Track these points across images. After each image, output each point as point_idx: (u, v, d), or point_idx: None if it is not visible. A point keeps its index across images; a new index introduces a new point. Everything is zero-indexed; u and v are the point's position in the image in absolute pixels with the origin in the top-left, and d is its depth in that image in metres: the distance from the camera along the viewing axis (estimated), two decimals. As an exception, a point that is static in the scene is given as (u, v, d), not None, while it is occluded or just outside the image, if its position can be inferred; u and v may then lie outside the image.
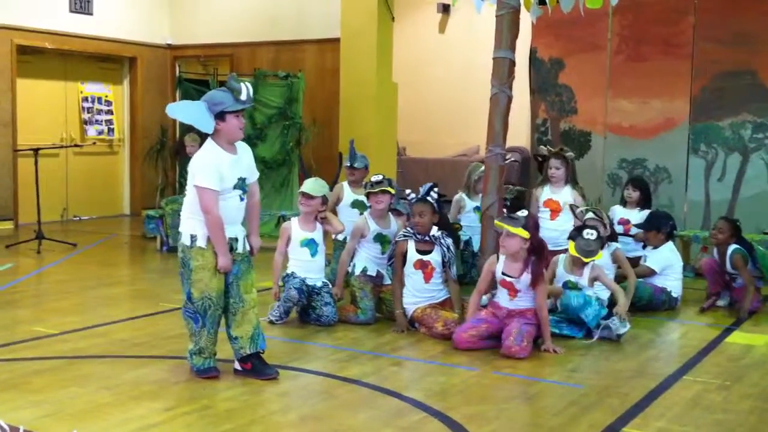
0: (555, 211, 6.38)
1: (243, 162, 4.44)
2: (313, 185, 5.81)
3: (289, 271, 5.77)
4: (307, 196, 5.75)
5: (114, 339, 5.25)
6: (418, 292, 5.53)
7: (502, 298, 5.13)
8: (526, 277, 5.02)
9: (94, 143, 11.68)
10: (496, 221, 5.27)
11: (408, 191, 5.76)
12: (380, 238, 5.87)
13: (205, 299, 4.36)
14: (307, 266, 5.74)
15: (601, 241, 5.60)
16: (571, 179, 6.54)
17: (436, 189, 5.63)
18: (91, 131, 11.77)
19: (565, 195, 6.44)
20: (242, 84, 4.31)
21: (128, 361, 4.77)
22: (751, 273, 6.24)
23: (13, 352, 4.88)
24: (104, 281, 7.30)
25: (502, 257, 5.13)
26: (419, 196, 5.59)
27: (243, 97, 4.29)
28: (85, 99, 11.71)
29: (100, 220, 11.59)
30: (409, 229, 5.62)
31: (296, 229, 5.79)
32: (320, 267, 5.80)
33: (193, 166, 4.34)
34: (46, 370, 4.55)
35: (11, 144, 10.49)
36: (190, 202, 4.38)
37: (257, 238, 4.60)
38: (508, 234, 5.00)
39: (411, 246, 5.53)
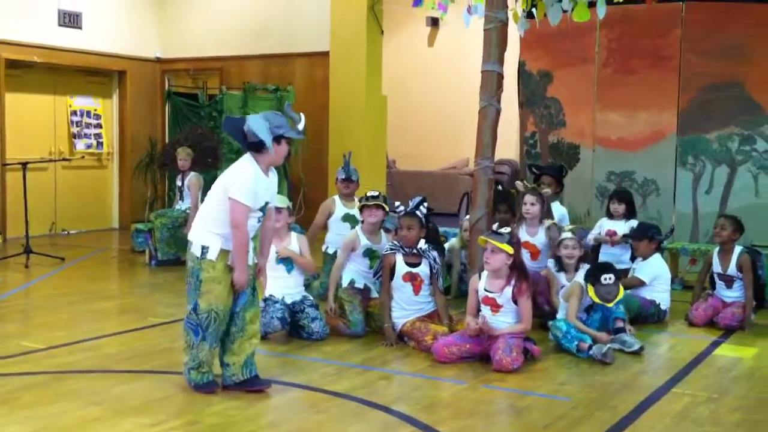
0: (534, 253, 6.31)
1: (271, 187, 4.46)
2: (279, 197, 5.76)
3: (267, 293, 5.64)
4: (277, 210, 5.65)
5: (102, 354, 5.23)
6: (408, 305, 5.52)
7: (486, 315, 5.11)
8: (508, 291, 5.01)
9: (83, 157, 11.67)
10: (480, 237, 5.27)
11: (397, 203, 5.74)
12: (370, 253, 5.85)
13: (211, 312, 4.31)
14: (284, 283, 5.67)
15: (577, 263, 5.73)
16: (547, 215, 6.41)
17: (425, 204, 5.64)
18: (80, 145, 11.74)
19: (541, 238, 6.30)
20: (300, 114, 4.43)
21: (116, 376, 4.75)
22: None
23: (0, 368, 4.85)
24: (93, 296, 7.27)
25: (484, 275, 5.13)
26: (408, 209, 5.59)
27: (300, 126, 4.43)
28: (74, 113, 11.68)
29: (88, 234, 11.54)
30: (395, 242, 5.63)
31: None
32: (298, 282, 5.73)
33: (229, 179, 4.31)
34: (34, 386, 4.53)
35: (0, 158, 10.45)
36: (210, 213, 4.34)
37: (265, 260, 4.63)
38: (493, 249, 5.01)
39: (399, 259, 5.52)
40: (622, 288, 5.54)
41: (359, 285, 5.85)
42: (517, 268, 5.06)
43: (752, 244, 7.56)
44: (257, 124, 4.29)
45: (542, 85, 9.08)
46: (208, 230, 4.32)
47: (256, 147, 4.31)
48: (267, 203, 4.43)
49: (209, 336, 4.34)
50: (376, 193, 5.96)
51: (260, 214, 4.39)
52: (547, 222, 6.30)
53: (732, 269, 6.22)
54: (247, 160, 4.35)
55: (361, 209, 5.92)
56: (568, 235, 5.92)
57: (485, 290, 5.09)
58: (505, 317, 5.06)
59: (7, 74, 10.61)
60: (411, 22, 13.50)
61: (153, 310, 6.52)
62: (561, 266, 5.92)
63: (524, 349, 5.04)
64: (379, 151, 10.56)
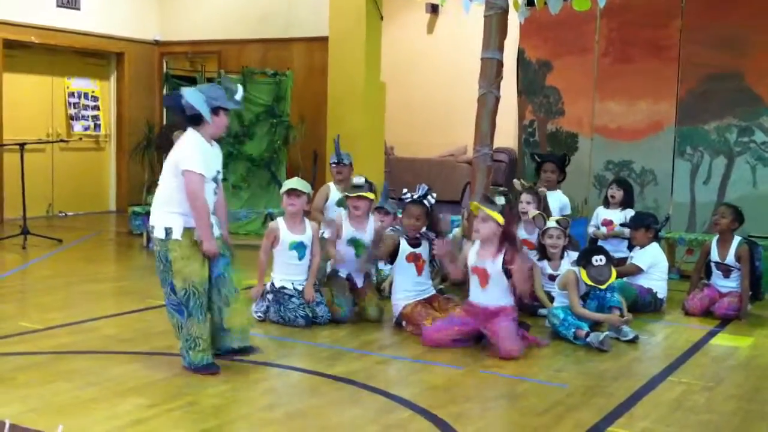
0: (533, 249, 6.32)
1: (219, 157, 4.58)
2: (299, 182, 5.76)
3: (277, 282, 5.64)
4: (295, 194, 5.64)
5: (100, 335, 5.23)
6: (411, 286, 5.54)
7: (474, 291, 5.09)
8: (499, 260, 4.97)
9: (81, 139, 11.65)
10: (471, 204, 5.22)
11: (405, 190, 5.70)
12: (354, 243, 5.78)
13: (189, 288, 4.37)
14: (294, 269, 5.67)
15: (562, 251, 5.74)
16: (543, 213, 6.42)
17: (433, 194, 5.62)
18: (78, 127, 11.71)
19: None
20: (237, 85, 4.49)
21: (114, 357, 4.75)
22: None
23: (-2, 347, 4.86)
24: (90, 277, 7.27)
25: (476, 244, 5.10)
26: (415, 197, 5.57)
27: (237, 97, 4.47)
28: (72, 94, 11.65)
29: (86, 216, 11.53)
30: (397, 227, 5.63)
31: (285, 231, 5.67)
32: (306, 269, 5.71)
33: (177, 154, 4.40)
34: (31, 366, 4.53)
35: (-3, 139, 10.44)
36: (167, 194, 4.41)
37: (227, 231, 4.71)
38: (484, 217, 4.97)
39: (402, 240, 5.54)
40: (614, 271, 5.55)
41: (342, 274, 5.84)
42: (508, 240, 5.02)
43: (749, 236, 7.58)
44: (193, 97, 4.37)
45: (541, 73, 9.08)
46: (168, 211, 4.39)
47: (195, 120, 4.40)
48: (218, 173, 4.52)
49: (194, 310, 4.39)
50: (361, 182, 5.85)
51: (214, 185, 4.48)
52: (533, 212, 6.28)
53: (730, 259, 6.24)
54: (189, 134, 4.44)
55: (345, 199, 5.85)
56: (552, 224, 5.93)
57: (476, 261, 5.05)
58: (494, 292, 5.01)
59: (5, 55, 10.58)
60: (410, 9, 13.46)
61: (151, 292, 6.51)
62: (545, 255, 5.93)
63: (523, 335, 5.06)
64: (377, 138, 10.54)
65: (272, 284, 5.68)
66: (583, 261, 5.52)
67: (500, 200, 5.10)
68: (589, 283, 5.45)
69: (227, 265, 4.53)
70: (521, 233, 6.26)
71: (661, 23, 8.38)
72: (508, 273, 4.98)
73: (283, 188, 5.73)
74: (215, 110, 4.40)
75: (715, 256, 6.32)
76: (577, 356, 5.04)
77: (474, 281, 5.09)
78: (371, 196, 5.81)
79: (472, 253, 5.09)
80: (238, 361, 4.67)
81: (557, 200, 6.90)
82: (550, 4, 6.46)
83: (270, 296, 5.63)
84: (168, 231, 4.37)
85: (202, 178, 4.33)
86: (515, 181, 6.59)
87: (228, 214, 4.82)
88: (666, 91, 8.35)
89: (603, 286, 5.45)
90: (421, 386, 4.41)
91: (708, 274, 6.39)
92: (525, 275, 4.98)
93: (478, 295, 5.07)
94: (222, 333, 4.55)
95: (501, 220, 4.96)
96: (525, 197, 6.32)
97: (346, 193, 5.89)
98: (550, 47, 8.98)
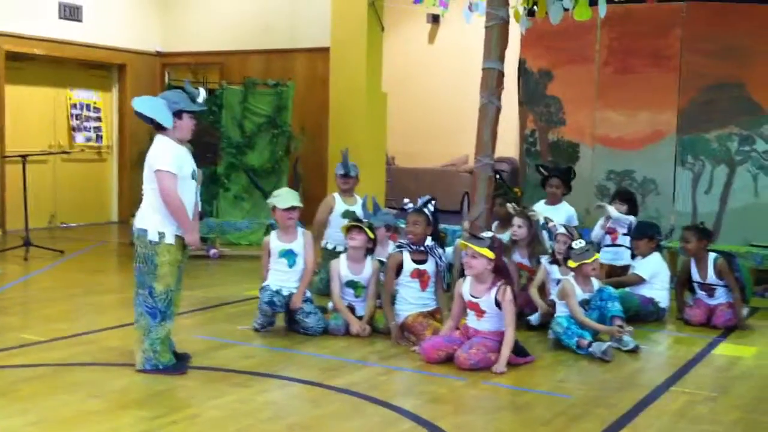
0: (531, 272, 6.28)
1: (191, 158, 4.70)
2: (294, 196, 5.79)
3: (265, 283, 5.73)
4: (295, 209, 5.72)
5: (102, 347, 5.23)
6: (414, 300, 5.54)
7: (471, 319, 5.07)
8: (492, 295, 4.94)
9: (83, 150, 11.67)
10: (460, 242, 5.26)
11: (406, 200, 5.74)
12: (353, 284, 5.77)
13: (169, 293, 4.59)
14: (284, 276, 5.69)
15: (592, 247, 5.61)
16: (533, 240, 6.32)
17: (434, 202, 5.65)
18: (80, 138, 11.73)
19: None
20: (201, 88, 4.66)
21: (117, 369, 4.75)
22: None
23: (0, 360, 4.85)
24: (92, 289, 7.27)
25: (468, 279, 5.10)
26: (416, 206, 5.60)
27: (199, 99, 4.61)
28: (74, 106, 11.67)
29: (88, 227, 11.54)
30: (401, 241, 5.64)
31: (275, 240, 5.74)
32: (297, 277, 5.72)
33: (150, 159, 4.56)
34: (34, 378, 4.53)
35: (-1, 150, 10.46)
36: (154, 201, 4.57)
37: (197, 234, 4.77)
38: (474, 254, 4.98)
39: (406, 257, 5.55)
40: (597, 254, 5.56)
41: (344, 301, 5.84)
42: (500, 272, 5.01)
43: (751, 244, 7.60)
44: (144, 105, 4.57)
45: (542, 83, 9.09)
46: (161, 218, 4.55)
47: (159, 126, 4.57)
48: (195, 171, 4.67)
49: (168, 316, 4.61)
50: (362, 218, 6.02)
51: (194, 184, 4.66)
52: (533, 212, 6.29)
53: (711, 277, 6.24)
54: (158, 138, 4.62)
55: (346, 231, 5.81)
56: (562, 230, 5.93)
57: (470, 295, 5.05)
58: (489, 322, 4.99)
59: (8, 66, 10.61)
60: (411, 19, 13.49)
61: (152, 303, 6.51)
62: (556, 259, 5.94)
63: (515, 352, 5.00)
64: (378, 148, 10.56)
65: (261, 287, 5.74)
66: (566, 255, 5.58)
67: (487, 234, 5.09)
68: (574, 264, 5.44)
69: (179, 285, 4.75)
70: (516, 257, 6.25)
71: (662, 32, 8.39)
72: (500, 306, 4.95)
73: (282, 203, 5.70)
74: (178, 114, 4.56)
75: (696, 276, 6.33)
76: (580, 366, 5.04)
77: (470, 314, 5.07)
78: (371, 234, 5.79)
79: (466, 288, 5.08)
80: (240, 372, 4.67)
81: (564, 212, 6.89)
82: (550, 14, 6.47)
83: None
84: (161, 235, 4.54)
85: (175, 177, 4.49)
86: (508, 205, 6.55)
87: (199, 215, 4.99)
88: (667, 100, 8.35)
89: (590, 260, 5.42)
90: (424, 398, 4.40)
91: (692, 291, 6.38)
92: (512, 313, 4.95)
93: (474, 323, 5.05)
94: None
95: (491, 255, 4.94)
96: (516, 221, 6.29)
97: (347, 224, 5.86)
98: (551, 57, 9.00)
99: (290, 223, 5.72)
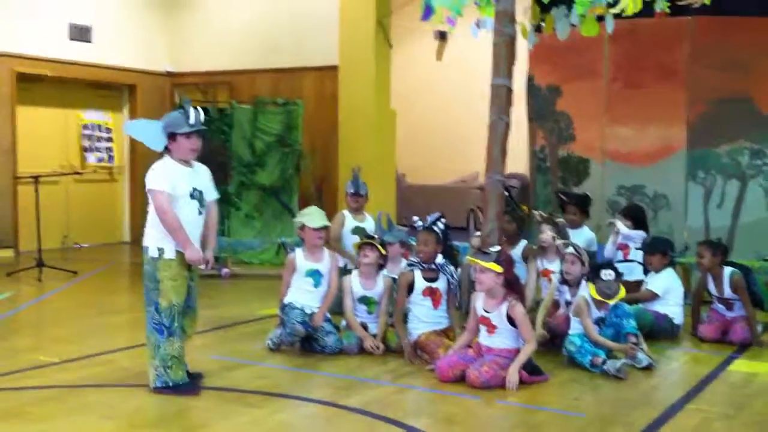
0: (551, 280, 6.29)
1: (200, 177, 4.75)
2: (323, 216, 5.83)
3: (287, 300, 5.73)
4: (325, 229, 5.78)
5: (115, 367, 5.24)
6: (426, 318, 5.53)
7: (482, 335, 5.06)
8: (503, 310, 4.93)
9: (95, 171, 11.73)
10: (468, 257, 5.26)
11: (416, 218, 5.75)
12: (366, 300, 5.78)
13: (172, 308, 4.62)
14: (308, 296, 5.71)
15: (617, 282, 5.53)
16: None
17: (443, 219, 5.65)
18: (91, 159, 11.80)
19: (559, 266, 6.23)
20: (192, 108, 4.66)
21: (130, 389, 4.75)
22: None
23: (14, 381, 4.87)
24: (105, 309, 7.29)
25: (481, 294, 5.10)
26: (425, 224, 5.61)
27: (191, 120, 4.64)
28: (85, 126, 11.74)
29: (100, 248, 11.58)
30: (412, 259, 5.65)
31: (301, 259, 5.75)
32: (321, 297, 5.75)
33: (146, 177, 4.65)
34: (47, 399, 4.54)
35: (12, 172, 10.51)
36: (152, 216, 4.67)
37: (211, 252, 4.83)
38: (481, 269, 4.98)
39: (417, 275, 5.55)
40: (623, 288, 5.51)
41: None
42: (511, 287, 5.00)
43: (764, 259, 7.55)
44: (142, 130, 4.76)
45: (551, 99, 9.09)
46: (160, 235, 4.62)
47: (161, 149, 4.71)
48: (201, 192, 4.69)
49: (174, 331, 4.63)
50: (374, 235, 5.96)
51: (197, 203, 4.67)
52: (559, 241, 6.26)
53: (728, 292, 6.21)
54: (160, 160, 4.72)
55: (359, 249, 5.83)
56: (570, 250, 5.89)
57: (483, 310, 5.04)
58: (502, 338, 4.97)
59: (19, 88, 10.68)
60: (419, 37, 13.54)
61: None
62: (565, 279, 5.90)
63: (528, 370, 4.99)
64: (388, 165, 10.58)
65: (283, 304, 5.72)
66: (592, 275, 5.51)
67: (494, 249, 5.08)
68: (597, 297, 5.41)
69: (192, 305, 4.80)
70: (541, 264, 6.26)
71: (669, 47, 8.38)
72: (512, 322, 4.95)
73: (313, 223, 5.73)
74: (172, 136, 4.62)
75: (713, 290, 6.31)
76: (595, 384, 5.01)
77: (482, 329, 5.07)
78: (382, 251, 5.80)
79: (479, 303, 5.08)
80: (253, 392, 4.67)
81: (583, 237, 6.85)
82: (558, 30, 6.48)
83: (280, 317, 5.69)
84: (161, 251, 4.61)
85: (165, 194, 4.55)
86: (534, 212, 6.59)
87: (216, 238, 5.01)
88: (676, 114, 8.34)
89: (611, 301, 5.41)
90: (437, 417, 4.39)
91: (709, 303, 6.37)
92: (528, 327, 4.96)
93: (486, 339, 5.04)
94: None
95: (498, 269, 4.94)
96: (544, 228, 6.33)
97: (358, 243, 5.86)
98: (560, 72, 9.00)
99: (319, 243, 5.76)
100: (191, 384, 4.68)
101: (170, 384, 4.60)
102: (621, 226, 6.94)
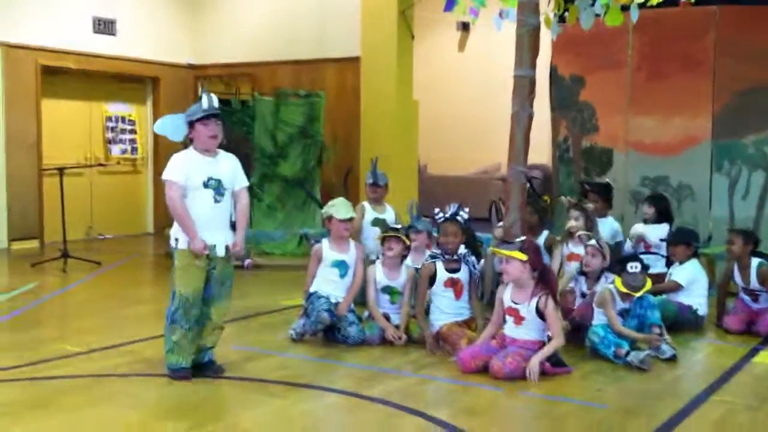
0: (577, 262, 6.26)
1: (221, 166, 4.79)
2: (349, 207, 5.86)
3: (312, 289, 5.77)
4: (351, 220, 5.82)
5: (139, 357, 5.28)
6: (448, 309, 5.54)
7: (508, 326, 5.03)
8: (533, 303, 4.91)
9: (118, 162, 11.82)
10: (491, 248, 5.24)
11: (437, 210, 5.74)
12: (388, 290, 5.78)
13: (181, 297, 4.69)
14: (334, 286, 5.74)
15: (645, 272, 5.47)
16: (591, 229, 6.37)
17: (466, 209, 5.65)
18: (115, 150, 11.89)
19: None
20: (205, 95, 4.77)
21: (154, 379, 4.79)
22: None
23: (39, 371, 4.92)
24: (129, 300, 7.35)
25: (510, 285, 5.07)
26: (448, 215, 5.60)
27: (204, 105, 4.72)
28: (109, 119, 11.83)
29: (124, 239, 11.67)
30: (434, 250, 5.64)
31: (327, 250, 5.78)
32: (347, 287, 5.77)
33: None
34: (73, 389, 4.59)
35: (37, 164, 10.61)
36: None
37: (241, 241, 4.87)
38: (506, 260, 4.96)
39: (440, 267, 5.54)
40: (649, 280, 5.47)
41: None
42: (541, 280, 4.97)
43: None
44: (164, 125, 4.87)
45: (574, 89, 9.03)
46: (177, 225, 4.76)
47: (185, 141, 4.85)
48: (219, 181, 4.72)
49: (178, 319, 4.69)
50: (398, 225, 5.98)
51: (212, 191, 4.70)
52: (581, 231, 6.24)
53: (754, 283, 6.17)
54: (182, 151, 4.84)
55: (382, 241, 5.81)
56: (593, 243, 5.85)
57: (511, 301, 5.03)
58: (528, 330, 4.95)
59: (44, 81, 10.77)
60: (441, 27, 13.50)
61: (188, 314, 6.57)
62: (583, 271, 5.87)
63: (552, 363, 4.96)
64: (410, 156, 10.57)
65: (308, 294, 5.74)
66: (618, 268, 5.47)
67: (519, 238, 5.08)
68: (623, 290, 5.38)
69: (212, 297, 4.83)
70: (569, 248, 6.28)
71: (695, 37, 8.30)
72: (542, 315, 4.93)
73: (340, 214, 5.76)
74: (191, 125, 4.73)
75: (739, 280, 6.27)
76: (618, 375, 4.99)
77: (509, 320, 5.04)
78: (406, 240, 5.81)
79: (507, 294, 5.05)
80: (275, 382, 4.69)
81: (608, 227, 6.83)
82: (582, 20, 6.43)
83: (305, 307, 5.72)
84: (177, 241, 4.74)
85: (176, 185, 4.64)
86: (562, 198, 6.59)
87: (247, 229, 5.06)
88: (701, 105, 8.25)
89: (637, 294, 5.37)
90: (459, 407, 4.39)
91: (734, 294, 6.32)
92: (557, 324, 4.94)
93: (512, 331, 5.02)
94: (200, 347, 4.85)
95: (522, 256, 4.91)
96: (573, 213, 6.34)
97: (382, 234, 5.85)
98: (583, 63, 8.94)
99: (346, 234, 5.80)
100: (182, 370, 4.71)
101: (168, 368, 4.74)
102: (642, 229, 6.94)
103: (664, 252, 6.85)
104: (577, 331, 5.63)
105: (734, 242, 6.22)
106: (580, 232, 6.21)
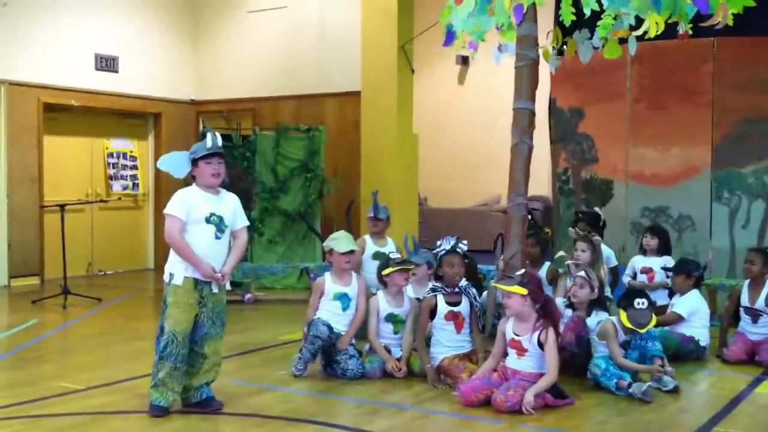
0: None
1: (223, 204, 4.83)
2: (351, 240, 5.86)
3: (316, 316, 5.72)
4: (353, 253, 5.82)
5: (139, 394, 5.23)
6: (449, 343, 5.51)
7: (511, 358, 5.01)
8: (535, 336, 4.90)
9: (120, 198, 11.84)
10: (492, 283, 5.24)
11: (439, 242, 5.74)
12: (392, 318, 5.76)
13: (170, 334, 4.67)
14: (336, 318, 5.72)
15: (652, 309, 5.45)
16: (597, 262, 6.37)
17: (463, 241, 5.65)
18: (117, 186, 11.93)
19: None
20: (210, 133, 4.81)
21: (153, 417, 4.75)
22: None
23: (39, 408, 4.89)
24: (129, 336, 7.32)
25: (510, 320, 5.06)
26: (449, 248, 5.59)
27: (208, 144, 4.76)
28: (111, 155, 11.89)
29: (125, 275, 11.67)
30: (435, 283, 5.63)
31: (330, 283, 5.79)
32: (349, 320, 5.76)
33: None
34: (72, 427, 4.55)
35: (38, 200, 10.64)
36: None
37: (229, 269, 4.82)
38: (507, 294, 4.96)
39: (440, 300, 5.53)
40: (654, 317, 5.44)
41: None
42: (544, 313, 4.96)
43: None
44: (169, 162, 4.89)
45: (573, 121, 9.07)
46: (173, 260, 4.74)
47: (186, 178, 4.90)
48: (221, 218, 4.75)
49: (167, 356, 4.67)
50: (399, 258, 5.96)
51: (213, 228, 4.72)
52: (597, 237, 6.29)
53: (760, 303, 6.19)
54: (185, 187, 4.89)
55: (387, 274, 5.76)
56: (582, 273, 5.76)
57: (513, 333, 5.01)
58: (530, 362, 4.93)
59: (46, 117, 10.84)
60: (441, 61, 13.59)
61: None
62: (570, 303, 5.80)
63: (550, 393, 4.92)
64: (410, 189, 10.58)
65: (309, 322, 5.72)
66: (625, 303, 5.44)
67: (519, 272, 5.07)
68: (629, 326, 5.35)
69: (205, 336, 4.79)
70: (571, 281, 6.24)
71: (693, 68, 8.36)
72: (543, 347, 4.90)
73: (341, 247, 5.76)
74: (195, 162, 4.78)
75: (745, 300, 6.28)
76: (620, 407, 4.95)
77: (511, 352, 5.03)
78: (412, 268, 5.83)
79: (509, 327, 5.04)
80: (276, 418, 4.66)
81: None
82: (580, 52, 6.48)
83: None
84: (171, 276, 4.72)
85: (176, 220, 4.67)
86: (570, 229, 6.60)
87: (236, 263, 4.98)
88: (700, 135, 8.29)
89: (643, 330, 5.35)
90: (462, 441, 4.35)
91: (737, 320, 6.30)
92: (553, 358, 4.89)
93: (514, 363, 5.00)
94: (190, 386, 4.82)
95: (523, 291, 4.92)
96: (580, 245, 6.34)
97: (390, 269, 5.78)
98: (582, 95, 8.99)
99: (347, 267, 5.80)
100: (159, 408, 4.68)
101: (150, 401, 4.72)
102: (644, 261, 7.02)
103: (669, 283, 6.81)
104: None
105: (755, 262, 6.26)
106: (568, 262, 6.18)
